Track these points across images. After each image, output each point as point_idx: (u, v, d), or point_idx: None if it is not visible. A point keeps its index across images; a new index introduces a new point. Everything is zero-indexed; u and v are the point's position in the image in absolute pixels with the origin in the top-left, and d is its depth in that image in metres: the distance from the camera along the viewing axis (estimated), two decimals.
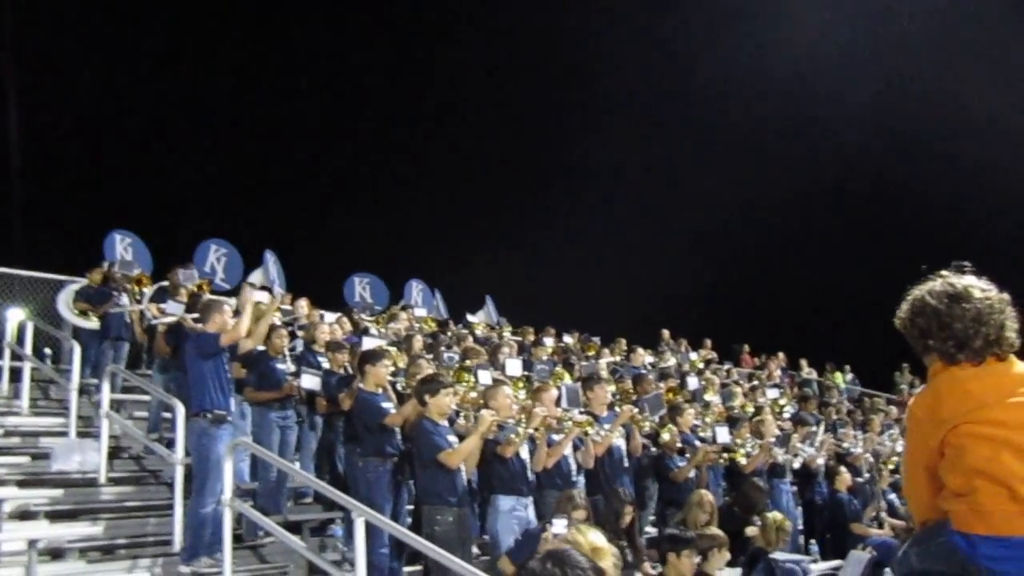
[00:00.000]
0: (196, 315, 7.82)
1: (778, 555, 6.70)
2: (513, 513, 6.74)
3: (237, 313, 7.50)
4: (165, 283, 10.42)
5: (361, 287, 15.34)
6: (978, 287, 2.84)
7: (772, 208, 25.27)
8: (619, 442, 7.98)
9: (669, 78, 25.18)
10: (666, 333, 17.19)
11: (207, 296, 8.89)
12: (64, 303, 10.79)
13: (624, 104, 26.16)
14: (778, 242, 25.91)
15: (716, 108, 24.93)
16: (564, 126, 25.95)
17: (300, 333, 9.77)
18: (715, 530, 6.57)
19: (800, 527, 9.66)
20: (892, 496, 10.28)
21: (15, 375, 9.86)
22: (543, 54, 25.18)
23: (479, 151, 25.91)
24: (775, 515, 6.85)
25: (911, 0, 23.32)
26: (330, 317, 10.54)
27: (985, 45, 22.52)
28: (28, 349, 9.83)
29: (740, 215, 25.44)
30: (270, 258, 14.03)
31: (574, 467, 7.44)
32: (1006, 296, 2.85)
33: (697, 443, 8.93)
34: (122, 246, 12.46)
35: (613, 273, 24.18)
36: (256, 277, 12.99)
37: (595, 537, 4.25)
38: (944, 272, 2.92)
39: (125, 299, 10.14)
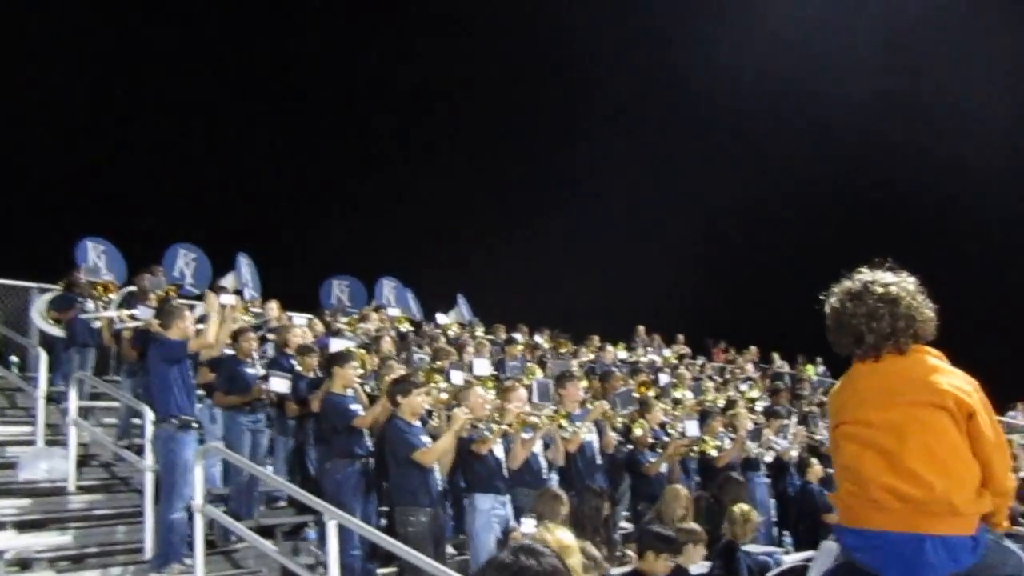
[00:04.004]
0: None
1: (751, 547, 6.75)
2: (492, 512, 6.76)
3: (205, 319, 7.44)
4: (133, 288, 10.33)
5: (339, 290, 15.28)
6: (879, 282, 2.92)
7: (744, 203, 25.42)
8: (591, 438, 8.01)
9: (645, 70, 25.26)
10: (641, 329, 17.28)
11: (174, 301, 8.80)
12: (38, 313, 10.68)
13: (599, 102, 26.20)
14: (750, 236, 26.10)
15: (695, 103, 24.96)
16: (537, 126, 25.93)
17: (271, 336, 9.70)
18: (692, 525, 6.62)
19: (773, 518, 9.73)
20: None
21: None
22: (524, 54, 25.13)
23: (454, 150, 25.90)
24: (741, 507, 6.88)
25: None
26: (299, 319, 10.49)
27: (986, 45, 22.66)
28: None
29: (712, 211, 25.56)
30: (243, 261, 13.95)
31: (544, 464, 7.45)
32: (911, 288, 2.92)
33: (667, 438, 8.98)
34: (95, 253, 12.32)
35: (587, 270, 24.22)
36: (229, 280, 12.92)
37: (563, 535, 4.26)
38: (862, 269, 3.03)
39: (91, 305, 10.05)
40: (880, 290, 2.90)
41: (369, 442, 7.25)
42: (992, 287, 22.60)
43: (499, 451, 7.03)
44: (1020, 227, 22.06)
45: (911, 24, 23.30)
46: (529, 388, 7.93)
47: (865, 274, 3.00)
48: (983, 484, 2.74)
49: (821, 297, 3.09)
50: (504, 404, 7.23)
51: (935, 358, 2.88)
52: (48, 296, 10.75)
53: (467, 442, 6.87)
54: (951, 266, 21.74)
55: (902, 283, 2.93)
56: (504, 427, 6.95)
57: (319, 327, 10.57)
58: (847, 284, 3.00)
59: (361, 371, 7.79)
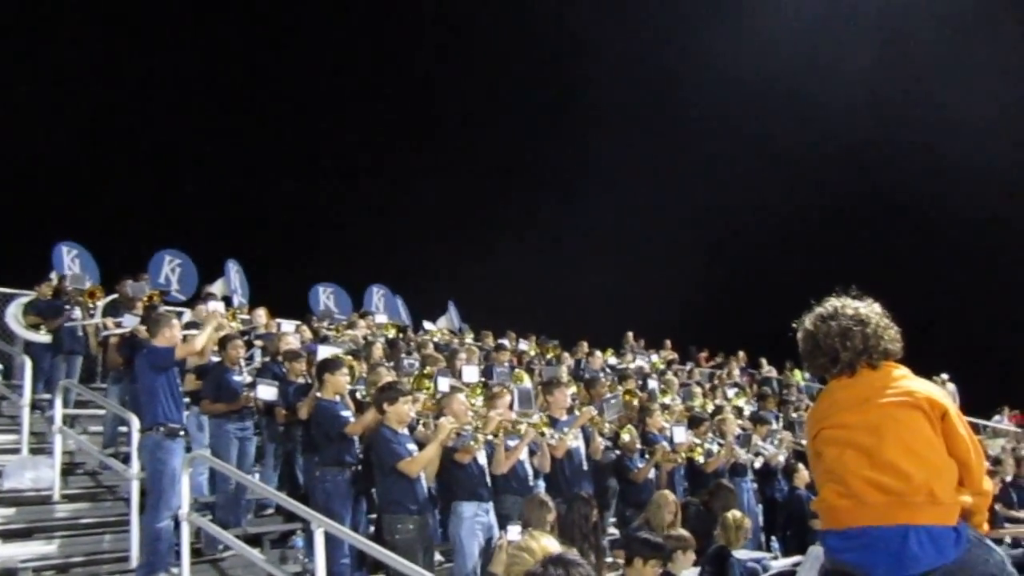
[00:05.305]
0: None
1: (740, 553, 6.75)
2: (476, 519, 6.74)
3: (192, 325, 7.40)
4: (116, 296, 10.27)
5: (326, 296, 15.29)
6: (850, 305, 3.17)
7: (732, 208, 25.52)
8: (579, 444, 7.99)
9: (638, 77, 25.33)
10: (630, 335, 17.30)
11: (161, 309, 8.76)
12: (13, 316, 10.57)
13: (590, 111, 26.24)
14: (738, 241, 26.18)
15: (686, 111, 25.05)
16: (526, 135, 25.98)
17: (258, 343, 9.66)
18: (682, 531, 6.60)
19: (761, 524, 9.74)
20: None
21: None
22: (516, 63, 25.17)
23: (445, 158, 25.92)
24: (734, 514, 6.90)
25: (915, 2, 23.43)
26: (287, 326, 10.46)
27: (987, 48, 22.77)
28: None
29: (700, 216, 25.64)
30: (232, 267, 13.91)
31: (531, 471, 7.43)
32: (878, 310, 3.16)
33: (664, 443, 8.98)
34: (69, 258, 12.26)
35: (577, 276, 24.27)
36: (218, 287, 12.89)
37: (548, 543, 4.20)
38: (829, 297, 3.25)
39: (78, 312, 10.00)
40: (851, 311, 3.13)
41: (358, 449, 7.23)
42: (982, 296, 22.73)
43: (482, 458, 7.02)
44: (1011, 233, 22.22)
45: (907, 29, 23.42)
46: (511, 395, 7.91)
47: (834, 300, 3.22)
48: (961, 483, 2.86)
49: (793, 325, 3.29)
50: (488, 411, 7.22)
51: (904, 370, 3.08)
52: (23, 300, 10.65)
53: (451, 451, 6.86)
54: (939, 273, 21.89)
55: (868, 307, 3.17)
56: (487, 435, 6.93)
57: (307, 334, 10.55)
58: (818, 310, 3.21)
59: (348, 377, 7.77)
